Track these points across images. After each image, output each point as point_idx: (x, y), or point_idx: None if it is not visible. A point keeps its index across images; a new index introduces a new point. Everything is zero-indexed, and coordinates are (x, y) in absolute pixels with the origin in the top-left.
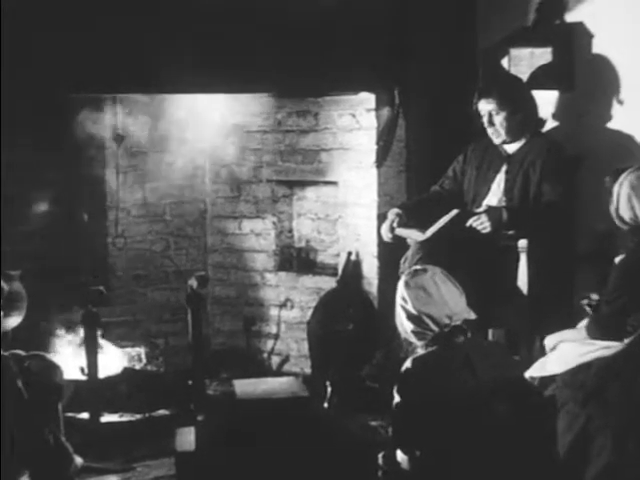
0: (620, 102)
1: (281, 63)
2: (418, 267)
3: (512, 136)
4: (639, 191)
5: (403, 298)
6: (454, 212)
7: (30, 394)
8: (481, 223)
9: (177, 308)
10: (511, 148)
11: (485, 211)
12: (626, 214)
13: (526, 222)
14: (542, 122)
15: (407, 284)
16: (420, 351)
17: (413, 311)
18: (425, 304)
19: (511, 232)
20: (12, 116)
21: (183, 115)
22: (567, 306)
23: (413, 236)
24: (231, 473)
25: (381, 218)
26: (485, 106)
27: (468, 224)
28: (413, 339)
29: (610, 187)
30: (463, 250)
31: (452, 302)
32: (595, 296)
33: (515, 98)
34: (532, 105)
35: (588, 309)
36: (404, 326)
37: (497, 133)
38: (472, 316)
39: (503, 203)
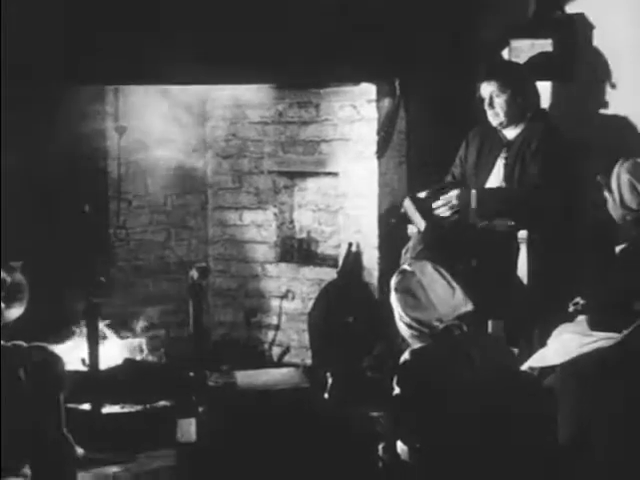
0: (620, 92)
1: (282, 54)
2: (406, 268)
3: (511, 119)
4: (639, 175)
5: (394, 302)
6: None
7: (31, 385)
8: (449, 207)
9: (178, 299)
10: (510, 134)
11: (457, 195)
12: (633, 202)
13: (501, 207)
14: (543, 111)
15: (396, 289)
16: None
17: (404, 315)
18: (414, 309)
19: (511, 223)
20: (13, 109)
21: (184, 106)
22: (567, 297)
23: (416, 220)
24: (232, 464)
25: (384, 215)
26: (486, 88)
27: (435, 205)
28: (410, 340)
29: (605, 183)
30: (463, 241)
31: (440, 305)
32: (582, 300)
33: (517, 81)
34: (533, 90)
35: (576, 313)
36: (400, 328)
37: (496, 115)
38: (469, 307)
39: None
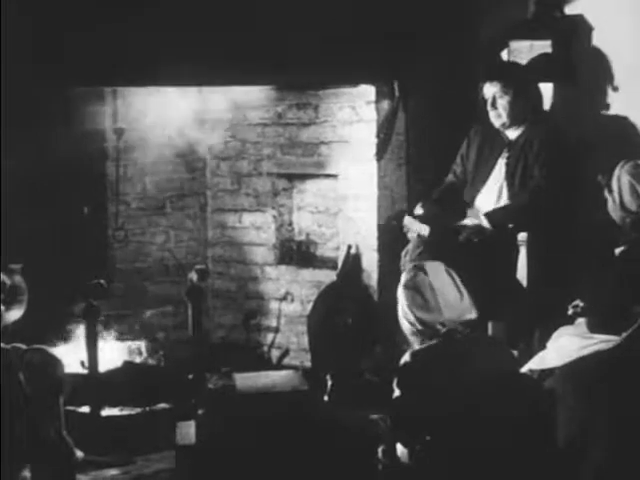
0: (621, 93)
1: (281, 55)
2: (421, 264)
3: (513, 120)
4: None
5: (402, 297)
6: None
7: (31, 388)
8: (473, 234)
9: (177, 302)
10: (513, 134)
11: (472, 232)
12: (633, 204)
13: (512, 219)
14: (545, 112)
15: (406, 285)
16: (418, 345)
17: (409, 313)
18: (420, 309)
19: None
20: (12, 110)
21: (183, 108)
22: (567, 299)
23: (420, 228)
24: (231, 466)
25: (385, 217)
26: (490, 89)
27: (462, 239)
28: (410, 338)
29: (606, 183)
30: (463, 244)
31: (447, 309)
32: (581, 303)
33: (520, 82)
34: (536, 91)
35: (576, 315)
36: (402, 325)
37: (499, 116)
38: (474, 315)
39: (504, 189)
